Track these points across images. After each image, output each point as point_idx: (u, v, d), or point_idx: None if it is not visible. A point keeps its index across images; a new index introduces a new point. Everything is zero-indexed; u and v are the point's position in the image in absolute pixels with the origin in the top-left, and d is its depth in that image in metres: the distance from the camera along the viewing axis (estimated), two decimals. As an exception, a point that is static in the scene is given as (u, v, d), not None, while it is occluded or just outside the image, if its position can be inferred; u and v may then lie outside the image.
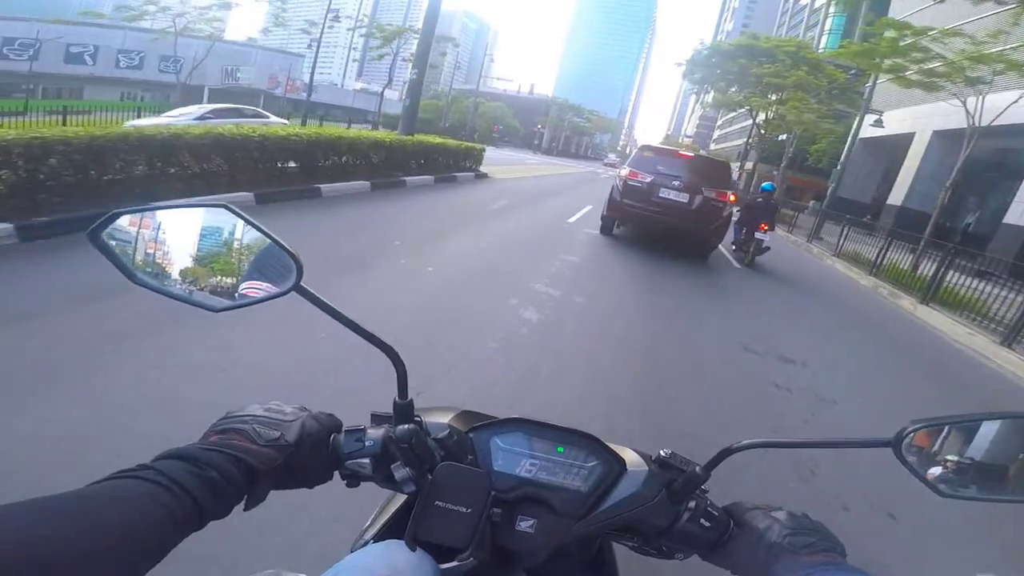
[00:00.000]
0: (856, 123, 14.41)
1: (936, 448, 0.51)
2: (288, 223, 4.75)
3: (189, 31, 18.46)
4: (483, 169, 12.59)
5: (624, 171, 6.77)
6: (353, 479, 0.53)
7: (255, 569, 0.54)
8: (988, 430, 0.50)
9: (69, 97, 23.36)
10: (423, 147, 9.69)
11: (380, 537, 0.58)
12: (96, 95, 24.27)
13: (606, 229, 7.28)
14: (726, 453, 0.53)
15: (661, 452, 0.57)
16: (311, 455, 0.49)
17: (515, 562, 0.56)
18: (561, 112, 68.55)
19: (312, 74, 24.46)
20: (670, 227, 6.48)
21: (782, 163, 19.46)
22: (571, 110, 71.51)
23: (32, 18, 25.88)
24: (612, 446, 0.58)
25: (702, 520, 0.54)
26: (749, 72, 19.24)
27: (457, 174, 10.84)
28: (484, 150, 12.76)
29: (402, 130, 10.07)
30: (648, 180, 6.52)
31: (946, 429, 0.51)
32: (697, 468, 0.54)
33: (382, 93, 28.59)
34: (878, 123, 13.53)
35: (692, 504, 0.54)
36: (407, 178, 8.66)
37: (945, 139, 13.86)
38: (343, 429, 0.53)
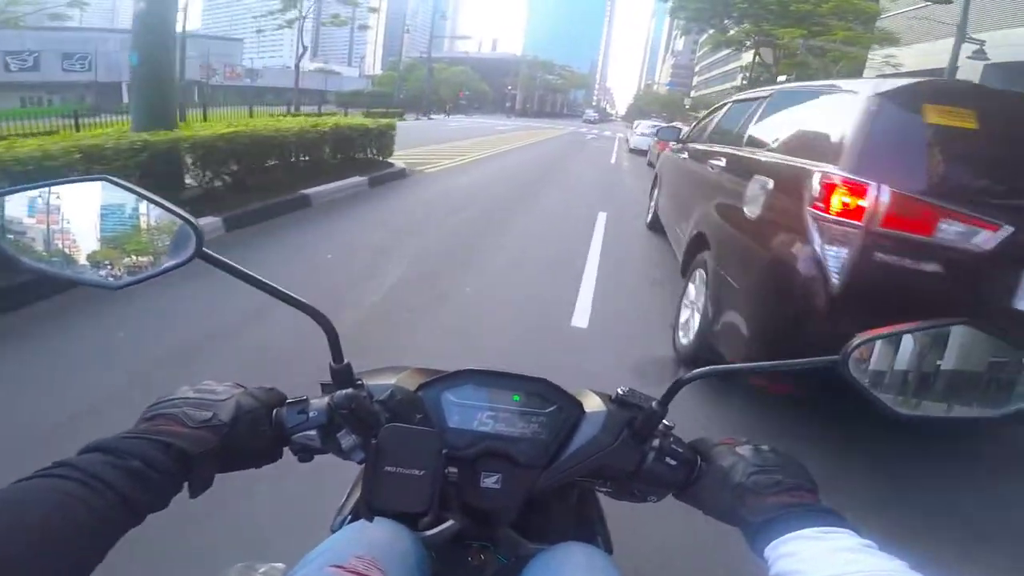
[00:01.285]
0: (952, 53, 10.55)
1: (886, 362, 0.49)
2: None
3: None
4: (408, 158, 7.99)
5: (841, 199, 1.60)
6: (305, 453, 0.52)
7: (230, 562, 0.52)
8: (945, 337, 0.48)
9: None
10: (201, 141, 4.47)
11: (354, 515, 0.57)
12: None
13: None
14: (677, 385, 0.54)
15: (619, 391, 0.57)
16: (250, 433, 0.48)
17: (492, 520, 0.55)
18: (532, 71, 65.91)
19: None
20: None
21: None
22: (542, 67, 68.52)
23: None
24: (569, 390, 0.58)
25: (668, 459, 0.54)
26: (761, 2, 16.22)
27: (326, 186, 5.60)
28: (394, 127, 7.84)
29: (134, 122, 4.56)
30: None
31: (898, 340, 0.49)
32: (654, 404, 0.54)
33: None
34: (980, 54, 10.10)
35: (656, 443, 0.54)
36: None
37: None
38: (285, 402, 0.52)
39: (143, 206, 0.50)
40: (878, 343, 0.48)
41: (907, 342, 0.48)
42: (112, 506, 0.35)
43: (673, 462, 0.53)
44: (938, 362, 0.47)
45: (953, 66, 10.25)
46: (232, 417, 0.46)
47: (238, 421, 0.47)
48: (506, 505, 0.54)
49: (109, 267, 0.51)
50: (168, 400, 0.46)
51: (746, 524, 0.45)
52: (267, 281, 0.48)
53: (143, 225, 0.51)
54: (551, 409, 0.56)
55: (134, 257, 0.51)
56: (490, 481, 0.54)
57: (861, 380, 0.48)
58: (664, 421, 0.53)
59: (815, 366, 0.48)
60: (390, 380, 0.56)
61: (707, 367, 0.53)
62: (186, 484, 0.42)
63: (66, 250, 0.51)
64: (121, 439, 0.40)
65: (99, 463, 0.37)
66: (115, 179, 0.49)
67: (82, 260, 0.50)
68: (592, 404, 0.57)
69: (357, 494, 0.58)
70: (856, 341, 0.47)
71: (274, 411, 0.50)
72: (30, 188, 0.49)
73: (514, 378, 0.56)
